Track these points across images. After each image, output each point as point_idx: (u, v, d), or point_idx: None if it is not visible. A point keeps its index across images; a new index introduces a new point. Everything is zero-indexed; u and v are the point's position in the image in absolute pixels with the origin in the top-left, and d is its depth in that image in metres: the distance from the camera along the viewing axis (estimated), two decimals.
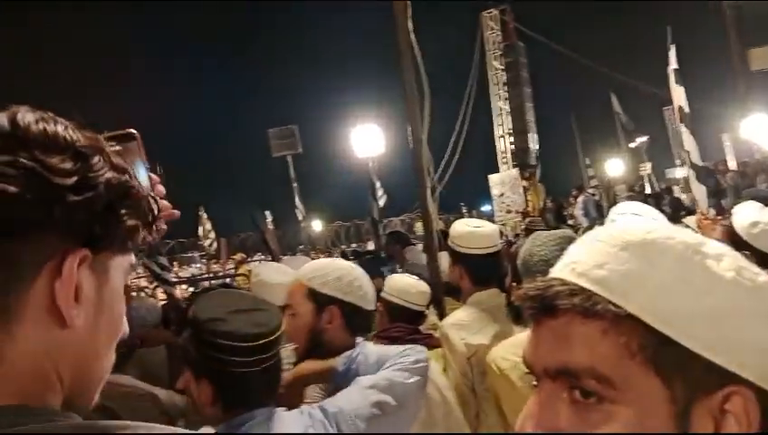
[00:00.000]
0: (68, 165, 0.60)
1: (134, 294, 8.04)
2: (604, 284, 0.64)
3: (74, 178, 0.60)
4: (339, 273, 1.76)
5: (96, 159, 0.63)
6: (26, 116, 0.61)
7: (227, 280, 8.72)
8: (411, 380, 1.50)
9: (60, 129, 0.62)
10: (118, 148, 0.85)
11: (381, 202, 9.71)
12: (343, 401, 1.40)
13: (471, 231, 2.50)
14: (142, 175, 0.90)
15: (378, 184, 9.74)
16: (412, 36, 3.34)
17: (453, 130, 18.43)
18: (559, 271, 0.69)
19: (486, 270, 2.46)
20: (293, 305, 1.74)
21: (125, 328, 0.71)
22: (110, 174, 0.63)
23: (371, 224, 9.93)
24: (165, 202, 0.81)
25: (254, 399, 1.35)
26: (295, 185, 21.11)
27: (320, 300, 1.72)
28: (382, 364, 1.56)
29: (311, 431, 1.32)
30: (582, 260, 0.67)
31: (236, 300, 1.42)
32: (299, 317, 1.72)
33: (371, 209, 9.41)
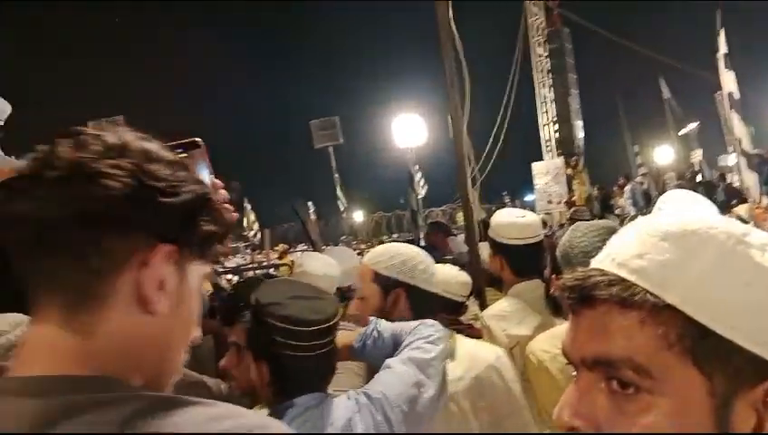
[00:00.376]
0: (160, 172, 0.69)
1: None
2: (643, 274, 0.63)
3: (164, 184, 0.69)
4: (404, 257, 1.84)
5: (183, 171, 0.73)
6: (127, 134, 0.71)
7: (271, 270, 8.86)
8: (434, 353, 1.52)
9: (154, 146, 0.72)
10: (184, 155, 0.92)
11: (422, 192, 9.70)
12: (384, 386, 1.43)
13: (512, 221, 2.48)
14: (206, 181, 0.97)
15: (418, 174, 9.73)
16: (453, 25, 3.32)
17: (496, 119, 18.21)
18: (598, 262, 0.69)
19: (528, 261, 2.44)
20: (361, 289, 1.84)
21: (198, 331, 0.79)
22: (194, 185, 0.72)
23: (411, 214, 9.93)
24: (228, 206, 0.87)
25: (308, 383, 1.40)
26: (336, 176, 21.24)
27: (386, 283, 1.81)
28: (397, 340, 1.58)
29: (357, 417, 1.35)
30: (622, 251, 0.67)
31: (297, 288, 1.49)
32: (366, 300, 1.82)
33: (411, 200, 9.41)
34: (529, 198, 22.64)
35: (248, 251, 19.93)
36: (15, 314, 1.69)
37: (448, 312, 2.64)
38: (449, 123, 3.35)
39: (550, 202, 18.02)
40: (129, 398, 0.63)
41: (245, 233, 18.44)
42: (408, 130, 11.62)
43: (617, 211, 13.66)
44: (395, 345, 1.56)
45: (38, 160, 0.67)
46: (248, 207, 17.69)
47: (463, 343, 1.87)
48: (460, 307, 2.72)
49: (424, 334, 1.56)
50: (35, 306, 0.67)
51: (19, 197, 0.65)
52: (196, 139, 1.04)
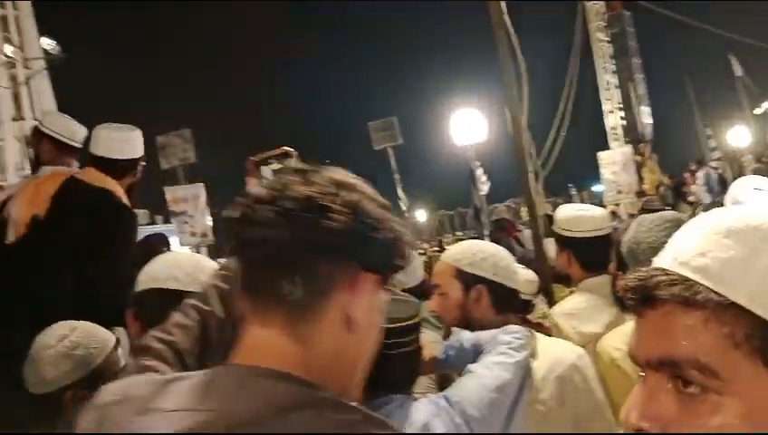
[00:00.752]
0: (372, 211, 0.82)
1: None
2: (706, 272, 0.62)
3: (374, 221, 0.81)
4: (485, 253, 1.84)
5: (387, 212, 0.85)
6: (344, 174, 0.85)
7: None
8: (516, 358, 1.51)
9: (367, 187, 0.85)
10: (278, 166, 0.99)
11: (484, 189, 9.59)
12: (464, 391, 1.43)
13: (577, 214, 2.42)
14: None
15: (480, 171, 9.63)
16: (506, 19, 3.27)
17: (557, 109, 17.80)
18: (661, 260, 0.68)
19: (596, 254, 2.36)
20: (442, 286, 1.84)
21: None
22: (395, 225, 0.85)
23: (474, 211, 9.84)
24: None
25: (390, 383, 1.40)
26: (397, 176, 21.30)
27: (467, 280, 1.81)
28: (478, 348, 1.58)
29: (436, 420, 1.35)
30: (684, 249, 0.65)
31: None
32: (448, 297, 1.83)
33: (473, 197, 9.33)
34: (596, 188, 21.99)
35: None
36: (59, 324, 1.80)
37: (516, 310, 2.60)
38: (508, 118, 3.31)
39: (619, 192, 17.43)
40: (347, 404, 0.75)
41: None
42: (468, 126, 11.52)
43: (690, 199, 13.08)
44: (476, 353, 1.56)
45: (275, 191, 0.79)
46: None
47: (543, 343, 1.84)
48: (527, 305, 2.68)
49: (506, 341, 1.55)
50: (255, 312, 0.80)
51: (259, 222, 0.77)
52: (288, 148, 1.09)
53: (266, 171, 1.14)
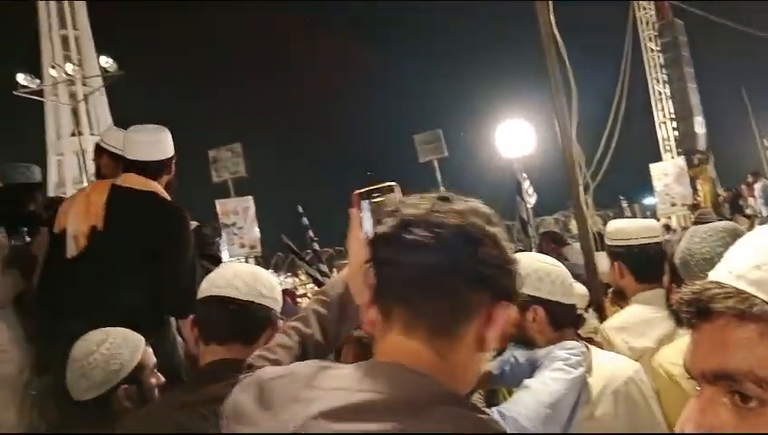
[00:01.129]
0: (507, 244, 0.90)
1: (299, 300, 8.59)
2: (762, 285, 0.61)
3: (509, 253, 0.90)
4: (540, 273, 1.78)
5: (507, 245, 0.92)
6: (481, 205, 0.92)
7: None
8: (573, 375, 1.49)
9: (496, 217, 0.93)
10: (381, 199, 1.04)
11: (531, 201, 9.47)
12: (518, 406, 1.42)
13: (626, 223, 2.39)
14: None
15: (527, 183, 9.52)
16: (555, 30, 3.24)
17: (606, 120, 17.45)
18: (716, 274, 0.67)
19: (646, 264, 2.30)
20: None
21: None
22: (511, 255, 0.92)
23: (521, 224, 9.72)
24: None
25: None
26: (442, 189, 21.25)
27: (523, 301, 1.75)
28: (533, 365, 1.56)
29: None
30: (740, 262, 0.65)
31: None
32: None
33: (520, 209, 9.22)
34: (648, 201, 21.42)
35: None
36: (94, 332, 1.89)
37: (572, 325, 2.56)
38: (557, 129, 3.27)
39: (673, 205, 16.93)
40: (477, 406, 0.87)
41: None
42: (514, 137, 11.42)
43: (747, 212, 12.59)
44: (532, 369, 1.55)
45: (429, 217, 0.86)
46: None
47: (599, 356, 1.80)
48: (578, 320, 2.63)
49: (563, 357, 1.54)
50: (402, 324, 0.88)
51: (417, 245, 0.85)
52: (393, 183, 1.12)
53: (365, 205, 1.18)
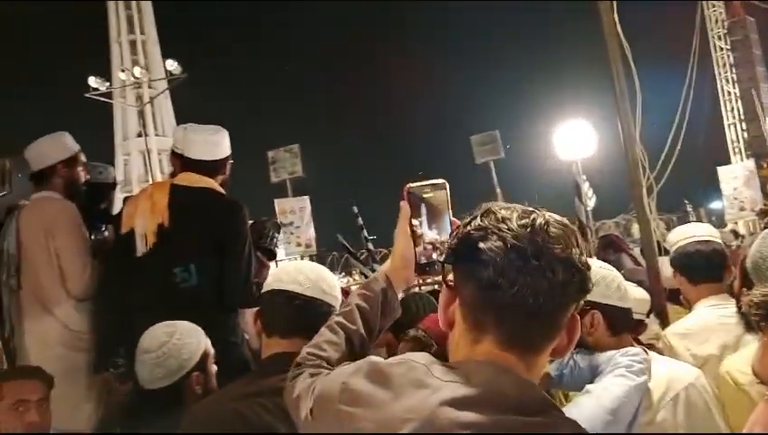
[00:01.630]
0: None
1: None
2: None
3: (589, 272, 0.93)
4: (596, 277, 1.76)
5: None
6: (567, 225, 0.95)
7: (435, 287, 8.99)
8: (635, 382, 1.48)
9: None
10: (431, 195, 1.05)
11: (590, 204, 9.26)
12: (579, 409, 1.42)
13: (684, 228, 2.37)
14: (447, 222, 1.13)
15: (586, 185, 9.31)
16: (619, 29, 3.17)
17: (671, 121, 16.87)
18: None
19: (702, 265, 2.27)
20: None
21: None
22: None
23: (579, 228, 9.51)
24: None
25: None
26: (498, 191, 21.01)
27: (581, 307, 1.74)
28: (594, 370, 1.55)
29: None
30: None
31: None
32: None
33: (578, 212, 9.02)
34: (715, 205, 20.58)
35: None
36: (165, 323, 1.98)
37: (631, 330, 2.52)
38: (619, 130, 3.19)
39: (741, 209, 16.23)
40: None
41: None
42: (573, 139, 11.19)
43: None
44: (593, 374, 1.54)
45: (527, 244, 0.88)
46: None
47: (659, 362, 1.77)
48: (639, 326, 2.58)
49: (625, 363, 1.52)
50: (492, 338, 0.91)
51: (515, 272, 0.87)
52: (442, 180, 1.14)
53: (415, 199, 1.21)
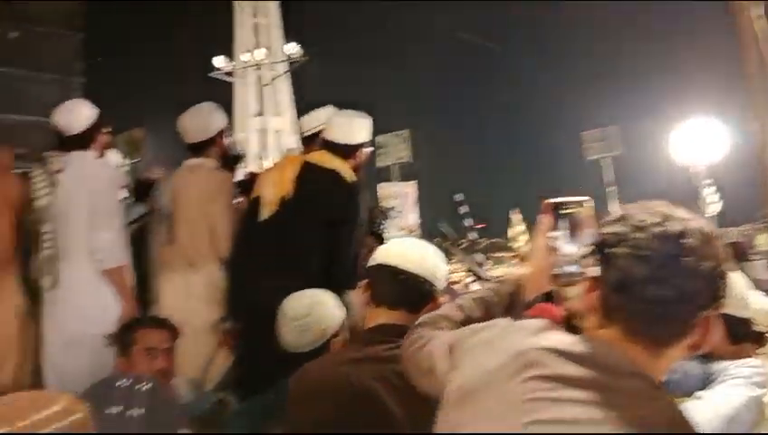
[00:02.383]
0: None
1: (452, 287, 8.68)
2: None
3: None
4: None
5: None
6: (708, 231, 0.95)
7: None
8: (756, 393, 1.45)
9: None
10: (572, 211, 1.09)
11: (713, 210, 8.69)
12: (693, 414, 1.39)
13: None
14: (588, 237, 1.13)
15: (712, 188, 8.74)
16: (756, 26, 2.97)
17: None
18: None
19: None
20: None
21: None
22: None
23: None
24: None
25: None
26: (612, 188, 20.14)
27: None
28: (706, 378, 1.52)
29: None
30: None
31: None
32: None
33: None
34: None
35: (513, 262, 19.95)
36: (307, 292, 2.15)
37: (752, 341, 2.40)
38: (753, 131, 3.00)
39: None
40: None
41: (510, 243, 18.56)
42: (696, 139, 10.52)
43: None
44: (703, 384, 1.52)
45: (677, 257, 0.90)
46: (514, 218, 17.77)
47: None
48: (761, 338, 2.44)
49: (746, 374, 1.50)
50: (620, 329, 0.94)
51: (659, 284, 0.89)
52: (587, 198, 1.17)
53: (515, 219, 1.27)
